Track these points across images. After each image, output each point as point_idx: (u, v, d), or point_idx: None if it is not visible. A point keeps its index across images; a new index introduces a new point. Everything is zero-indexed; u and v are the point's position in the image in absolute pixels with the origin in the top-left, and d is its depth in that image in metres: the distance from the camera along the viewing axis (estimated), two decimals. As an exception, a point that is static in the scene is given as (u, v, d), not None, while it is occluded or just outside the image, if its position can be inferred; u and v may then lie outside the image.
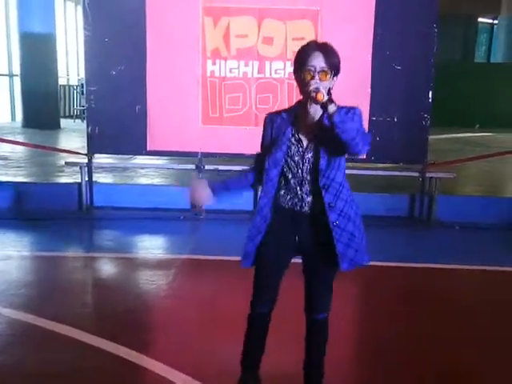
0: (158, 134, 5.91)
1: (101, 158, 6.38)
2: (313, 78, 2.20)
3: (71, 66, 20.11)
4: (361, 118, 2.25)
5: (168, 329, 3.46)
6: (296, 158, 2.31)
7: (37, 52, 13.06)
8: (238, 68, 5.74)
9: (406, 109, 5.87)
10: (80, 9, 21.58)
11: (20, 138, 10.99)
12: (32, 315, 3.46)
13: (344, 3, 5.71)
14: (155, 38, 5.73)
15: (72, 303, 3.77)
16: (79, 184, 6.18)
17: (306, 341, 2.54)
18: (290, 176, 2.33)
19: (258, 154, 2.46)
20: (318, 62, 2.21)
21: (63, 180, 6.82)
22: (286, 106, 6.25)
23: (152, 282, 4.21)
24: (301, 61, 2.25)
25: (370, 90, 5.75)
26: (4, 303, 3.67)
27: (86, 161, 6.10)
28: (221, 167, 6.27)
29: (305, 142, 2.31)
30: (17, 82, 14.70)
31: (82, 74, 19.40)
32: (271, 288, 2.43)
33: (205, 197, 2.46)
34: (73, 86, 18.78)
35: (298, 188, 2.33)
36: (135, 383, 2.88)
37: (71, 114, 17.88)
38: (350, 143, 2.15)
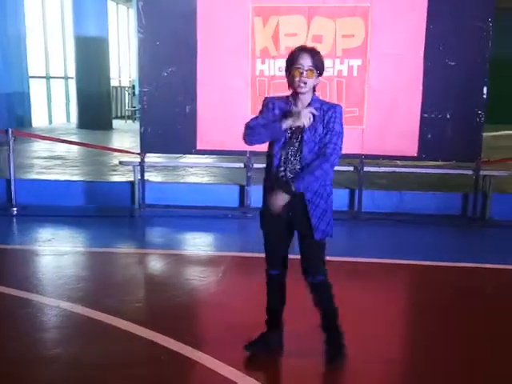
0: (207, 133, 6.01)
1: (152, 157, 6.53)
2: (301, 74, 2.66)
3: (123, 68, 20.65)
4: (340, 116, 2.75)
5: (218, 324, 3.52)
6: (286, 140, 2.76)
7: (91, 55, 13.47)
8: (287, 67, 5.75)
9: (460, 105, 5.72)
10: (131, 12, 21.99)
11: (75, 139, 11.37)
12: (89, 309, 3.60)
13: (396, -1, 5.62)
14: (205, 39, 5.82)
15: (126, 298, 3.89)
16: (132, 182, 6.37)
17: (313, 302, 2.93)
18: (281, 156, 2.78)
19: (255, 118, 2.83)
20: (305, 62, 2.66)
21: (116, 179, 7.02)
22: (334, 104, 6.16)
23: (202, 278, 4.30)
24: (291, 60, 2.70)
25: (421, 87, 5.64)
26: (63, 297, 3.83)
27: (138, 160, 6.27)
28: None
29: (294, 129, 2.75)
30: (71, 84, 15.23)
31: (133, 76, 19.93)
32: (278, 255, 2.94)
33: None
34: (124, 87, 19.28)
35: (284, 168, 2.78)
36: (187, 376, 2.95)
37: (123, 114, 18.36)
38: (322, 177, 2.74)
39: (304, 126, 2.68)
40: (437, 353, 3.11)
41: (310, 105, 2.72)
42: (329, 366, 2.94)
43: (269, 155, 2.86)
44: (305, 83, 2.67)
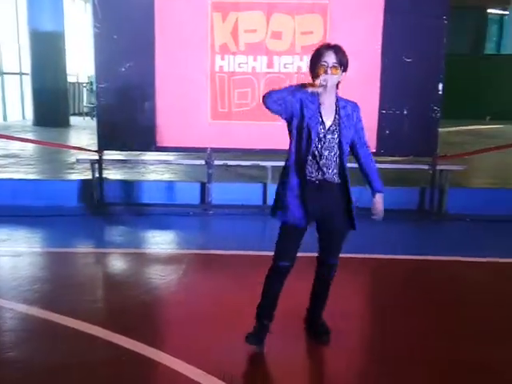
0: (167, 129, 5.93)
1: (111, 155, 6.41)
2: (325, 71, 2.73)
3: (80, 64, 20.18)
4: (360, 113, 2.90)
5: (178, 322, 3.49)
6: (320, 136, 2.84)
7: (46, 50, 13.11)
8: (247, 63, 5.73)
9: (416, 101, 5.83)
10: (89, 7, 21.59)
11: (30, 136, 11.07)
12: (45, 310, 3.50)
13: (353, -4, 5.68)
14: (163, 34, 5.74)
15: (85, 298, 3.80)
16: (90, 180, 6.23)
17: (316, 282, 3.14)
18: (313, 151, 2.85)
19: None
20: (330, 58, 2.75)
21: (74, 177, 6.86)
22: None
23: (162, 276, 4.24)
24: (316, 58, 2.78)
25: (379, 84, 5.72)
26: (18, 299, 3.71)
27: (96, 157, 6.14)
28: (230, 162, 6.30)
29: (327, 124, 2.84)
30: (26, 80, 14.79)
31: (91, 72, 19.49)
32: (295, 248, 2.97)
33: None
34: (82, 83, 18.87)
35: (317, 162, 2.87)
36: (146, 375, 2.89)
37: (81, 111, 17.96)
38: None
39: (322, 92, 2.74)
40: (391, 343, 3.18)
41: (337, 101, 2.84)
42: (324, 343, 3.13)
43: (295, 151, 2.90)
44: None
